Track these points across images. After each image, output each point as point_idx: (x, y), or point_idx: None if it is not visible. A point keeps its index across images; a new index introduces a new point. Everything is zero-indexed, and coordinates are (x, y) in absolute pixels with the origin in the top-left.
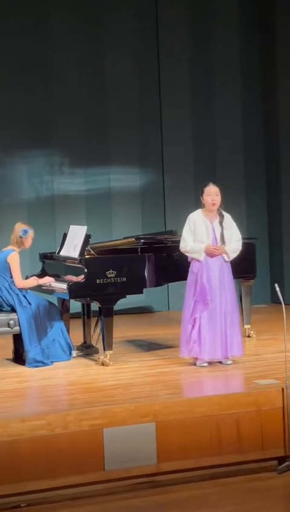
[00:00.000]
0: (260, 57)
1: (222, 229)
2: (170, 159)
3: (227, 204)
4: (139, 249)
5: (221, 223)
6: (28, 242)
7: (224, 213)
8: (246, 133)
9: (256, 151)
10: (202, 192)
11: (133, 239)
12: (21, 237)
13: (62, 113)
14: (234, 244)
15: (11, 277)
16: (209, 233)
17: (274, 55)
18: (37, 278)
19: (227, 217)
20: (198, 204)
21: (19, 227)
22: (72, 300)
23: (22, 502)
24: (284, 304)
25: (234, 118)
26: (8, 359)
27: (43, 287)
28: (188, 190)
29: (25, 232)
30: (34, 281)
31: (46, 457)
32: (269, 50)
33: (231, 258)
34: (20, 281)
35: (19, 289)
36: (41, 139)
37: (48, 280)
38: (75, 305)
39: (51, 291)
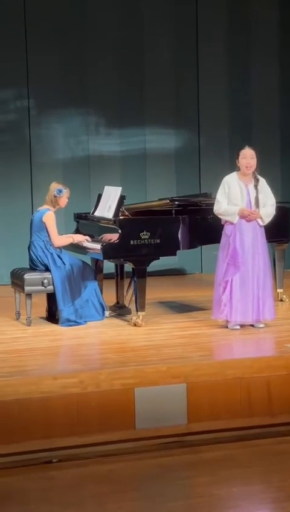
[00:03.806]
0: None
1: (257, 192)
2: (205, 120)
3: (262, 167)
4: (173, 211)
5: (256, 186)
6: (63, 201)
7: (259, 177)
8: (282, 95)
9: None
10: (238, 155)
11: (168, 201)
12: (55, 196)
13: (98, 73)
14: (269, 208)
15: (47, 236)
16: (243, 197)
17: None
18: (72, 235)
19: (262, 181)
20: (233, 167)
21: (54, 186)
22: (105, 261)
23: (53, 457)
24: None
25: (271, 80)
26: (41, 317)
27: (82, 248)
28: (223, 153)
29: (60, 191)
30: (69, 238)
31: (78, 414)
32: None
33: (266, 223)
34: (56, 239)
35: (55, 248)
36: (77, 98)
37: (82, 238)
38: (109, 266)
39: (85, 251)
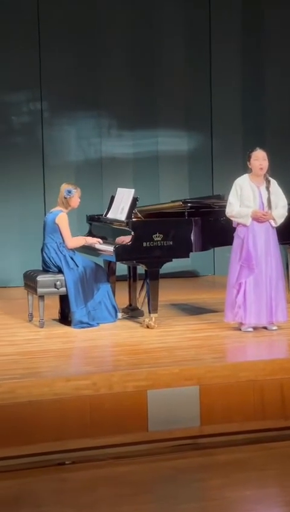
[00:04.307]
0: None
1: (269, 194)
2: (218, 122)
3: (275, 169)
4: (186, 213)
5: (268, 188)
6: (75, 202)
7: (270, 178)
8: None
9: None
10: (249, 156)
11: (181, 203)
12: (65, 197)
13: (111, 75)
14: (281, 209)
15: (60, 238)
16: (255, 198)
17: None
18: (85, 237)
19: (273, 182)
20: (246, 169)
21: (64, 187)
22: (118, 263)
23: (66, 459)
24: None
25: (284, 83)
26: (54, 319)
27: (95, 250)
28: (236, 155)
29: (69, 192)
30: (82, 239)
31: (91, 416)
32: None
33: (278, 224)
34: (70, 240)
35: (67, 250)
36: (89, 100)
37: (95, 240)
38: (122, 268)
39: (98, 253)
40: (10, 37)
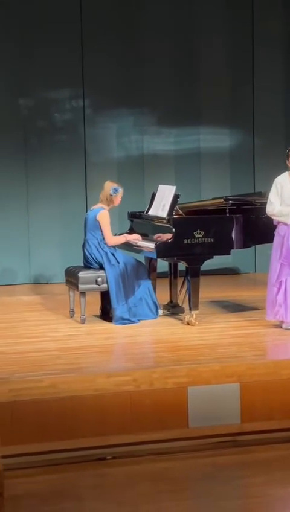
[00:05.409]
0: None
1: None
2: (260, 120)
3: None
4: (227, 210)
5: None
6: (118, 200)
7: None
8: None
9: None
10: (288, 155)
11: (222, 200)
12: (111, 195)
13: (153, 72)
14: None
15: (101, 235)
16: None
17: None
18: (126, 235)
19: None
20: (287, 166)
21: (109, 185)
22: (159, 260)
23: (107, 454)
24: None
25: None
26: (95, 316)
27: (135, 247)
28: (278, 152)
29: (116, 190)
30: (122, 238)
31: (132, 412)
32: None
33: None
34: (110, 238)
35: (108, 247)
36: (132, 98)
37: (136, 237)
38: (162, 265)
39: (139, 250)
40: (53, 35)
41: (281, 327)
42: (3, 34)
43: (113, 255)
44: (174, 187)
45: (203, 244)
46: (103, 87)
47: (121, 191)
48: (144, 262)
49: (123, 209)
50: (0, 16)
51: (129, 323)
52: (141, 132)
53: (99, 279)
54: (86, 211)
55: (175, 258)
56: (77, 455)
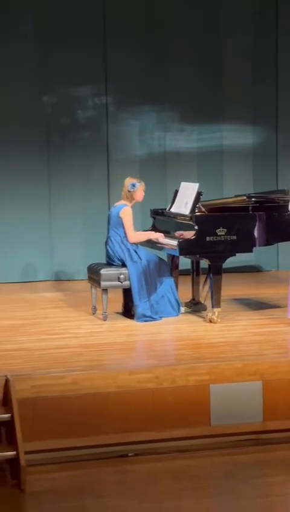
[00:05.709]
0: None
1: None
2: (284, 117)
3: None
4: (250, 208)
5: None
6: (139, 195)
7: None
8: None
9: None
10: None
11: (245, 197)
12: (129, 191)
13: (175, 69)
14: None
15: (124, 232)
16: None
17: None
18: (148, 233)
19: None
20: None
21: (128, 181)
22: (181, 257)
23: (129, 451)
24: None
25: None
26: (117, 313)
27: (157, 244)
28: None
29: (133, 185)
30: (145, 235)
31: (153, 409)
32: None
33: None
34: (132, 235)
35: (130, 244)
36: (154, 95)
37: (158, 235)
38: (185, 262)
39: (161, 247)
40: (76, 33)
41: None
42: (27, 32)
43: (135, 252)
44: (197, 184)
45: (226, 241)
46: (126, 84)
47: (139, 185)
48: (166, 260)
49: (145, 206)
50: (24, 13)
51: (151, 321)
52: (163, 129)
53: (122, 276)
54: (108, 208)
55: (197, 256)
56: (99, 452)
